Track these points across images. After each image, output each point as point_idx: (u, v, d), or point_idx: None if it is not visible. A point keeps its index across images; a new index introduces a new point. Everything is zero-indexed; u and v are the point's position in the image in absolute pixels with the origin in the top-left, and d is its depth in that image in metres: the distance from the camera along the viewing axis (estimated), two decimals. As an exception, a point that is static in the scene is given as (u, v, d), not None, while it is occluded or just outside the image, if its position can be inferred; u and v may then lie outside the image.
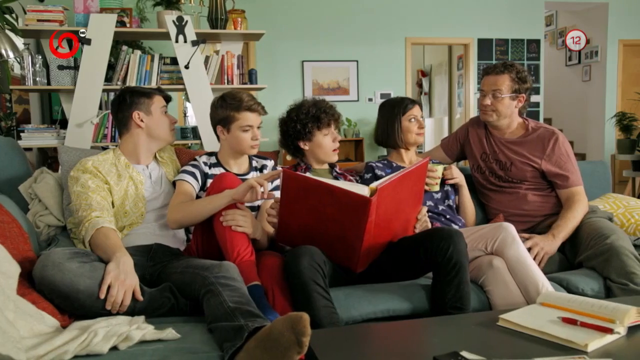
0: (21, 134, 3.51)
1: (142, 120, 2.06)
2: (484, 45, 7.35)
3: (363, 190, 1.66)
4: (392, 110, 2.38)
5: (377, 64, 7.03)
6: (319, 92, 6.89)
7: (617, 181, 7.37)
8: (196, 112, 3.69)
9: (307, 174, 1.78)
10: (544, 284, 1.82)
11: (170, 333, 1.41)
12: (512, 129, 2.42)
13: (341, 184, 1.73)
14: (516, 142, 2.39)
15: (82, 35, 3.40)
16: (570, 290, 1.94)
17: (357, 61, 6.97)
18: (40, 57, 3.60)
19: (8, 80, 3.53)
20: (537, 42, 7.45)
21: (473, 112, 7.50)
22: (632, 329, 1.30)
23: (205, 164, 2.11)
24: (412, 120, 2.35)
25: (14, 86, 3.72)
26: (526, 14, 7.35)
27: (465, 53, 7.43)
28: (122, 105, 2.07)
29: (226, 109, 2.04)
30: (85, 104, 3.46)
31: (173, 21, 3.60)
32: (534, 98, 7.25)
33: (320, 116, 2.15)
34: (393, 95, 7.00)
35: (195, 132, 4.10)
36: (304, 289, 1.62)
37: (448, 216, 2.30)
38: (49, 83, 3.58)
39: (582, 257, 2.10)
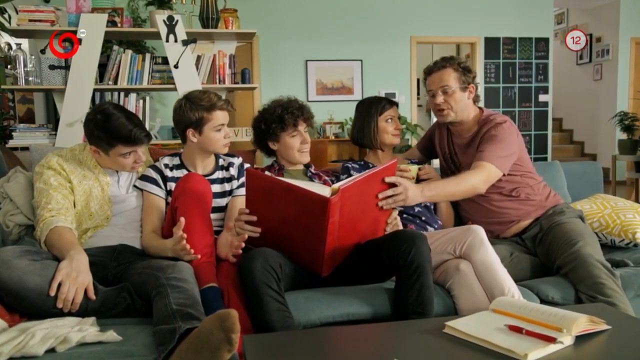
0: (13, 134, 3.55)
1: (94, 151, 1.96)
2: (492, 44, 7.24)
3: (324, 190, 1.63)
4: (369, 109, 2.33)
5: (381, 63, 6.97)
6: (323, 92, 6.85)
7: (628, 183, 7.20)
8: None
9: (268, 175, 1.75)
10: (510, 289, 1.76)
11: (111, 335, 1.39)
12: (470, 123, 2.26)
13: (303, 184, 1.69)
14: (467, 144, 2.26)
15: (82, 35, 3.42)
16: (540, 297, 1.87)
17: (361, 60, 6.92)
18: (33, 56, 3.63)
19: (1, 79, 3.56)
20: (546, 40, 7.31)
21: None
22: (581, 339, 1.24)
23: (167, 165, 2.05)
24: (389, 120, 2.31)
25: (7, 86, 3.76)
26: (534, 12, 7.22)
27: (472, 52, 7.32)
28: (88, 119, 1.93)
29: (197, 111, 1.98)
30: (76, 103, 3.48)
31: (164, 20, 3.61)
32: (542, 97, 7.12)
33: (284, 117, 2.10)
34: (398, 94, 6.94)
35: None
36: (256, 292, 1.59)
37: (424, 218, 2.24)
38: (41, 83, 3.61)
39: (556, 266, 2.02)
